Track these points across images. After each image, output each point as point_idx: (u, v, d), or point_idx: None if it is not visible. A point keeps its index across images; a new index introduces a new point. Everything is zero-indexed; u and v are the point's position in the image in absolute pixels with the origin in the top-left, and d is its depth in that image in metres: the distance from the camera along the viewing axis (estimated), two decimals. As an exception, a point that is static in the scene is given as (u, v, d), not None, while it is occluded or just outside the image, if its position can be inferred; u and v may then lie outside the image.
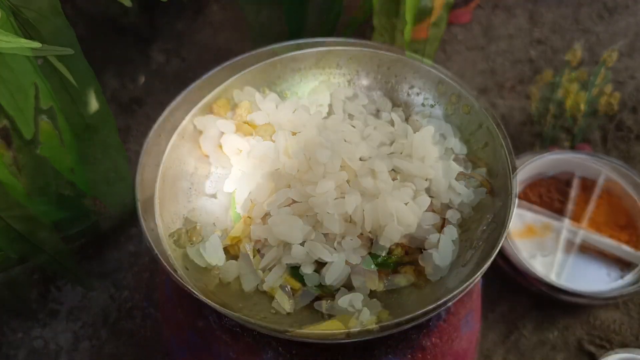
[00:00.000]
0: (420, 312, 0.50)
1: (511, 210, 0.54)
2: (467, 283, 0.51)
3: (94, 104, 0.77)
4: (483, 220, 0.58)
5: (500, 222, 0.55)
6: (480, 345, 0.83)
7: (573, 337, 0.86)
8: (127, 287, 0.91)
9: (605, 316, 0.87)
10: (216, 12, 1.24)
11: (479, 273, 0.52)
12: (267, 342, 0.57)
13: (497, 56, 1.15)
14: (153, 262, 0.92)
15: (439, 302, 0.51)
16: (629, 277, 0.84)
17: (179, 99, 0.61)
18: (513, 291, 0.88)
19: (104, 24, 1.15)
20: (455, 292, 0.51)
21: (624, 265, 0.87)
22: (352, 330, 0.52)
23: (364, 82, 0.66)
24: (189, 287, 0.51)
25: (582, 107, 0.93)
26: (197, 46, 1.18)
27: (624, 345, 0.85)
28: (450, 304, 0.53)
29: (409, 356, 0.60)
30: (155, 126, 0.59)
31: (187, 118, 0.61)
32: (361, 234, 0.56)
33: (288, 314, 0.55)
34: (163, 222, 0.56)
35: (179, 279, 0.51)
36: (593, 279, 0.86)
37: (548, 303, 0.87)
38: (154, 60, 1.17)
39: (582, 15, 1.21)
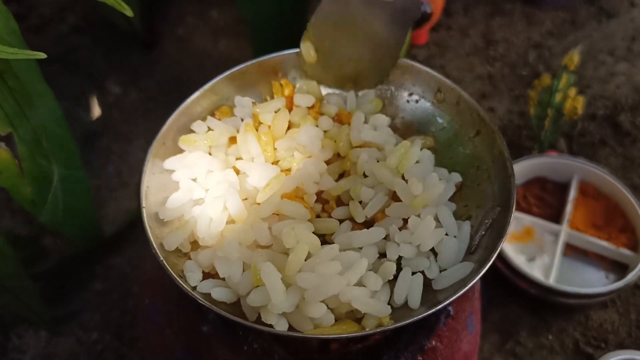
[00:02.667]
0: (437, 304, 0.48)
1: (510, 214, 0.53)
2: (473, 281, 0.49)
3: (54, 130, 0.72)
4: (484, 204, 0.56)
5: (499, 227, 0.53)
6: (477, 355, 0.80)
7: (569, 339, 0.83)
8: (95, 328, 0.84)
9: (597, 316, 0.85)
10: (216, 19, 1.25)
11: (483, 269, 0.50)
12: (270, 351, 0.53)
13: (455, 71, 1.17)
14: (123, 299, 0.86)
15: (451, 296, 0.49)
16: (626, 278, 0.83)
17: (183, 106, 0.59)
18: (503, 299, 0.86)
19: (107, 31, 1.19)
20: (465, 287, 0.49)
21: (621, 267, 0.86)
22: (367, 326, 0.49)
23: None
24: (196, 295, 0.48)
25: (580, 111, 0.94)
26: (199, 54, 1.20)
27: (619, 344, 0.83)
28: (461, 292, 0.50)
29: (420, 358, 0.57)
30: (161, 132, 0.57)
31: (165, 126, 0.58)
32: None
33: None
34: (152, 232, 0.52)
35: (184, 286, 0.49)
36: (590, 281, 0.85)
37: (539, 308, 0.85)
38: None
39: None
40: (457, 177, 0.58)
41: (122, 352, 0.82)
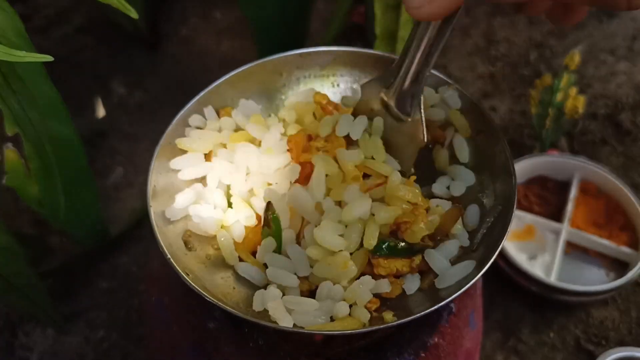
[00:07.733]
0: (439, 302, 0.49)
1: (511, 213, 0.53)
2: (475, 278, 0.50)
3: (60, 131, 0.73)
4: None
5: (501, 225, 0.54)
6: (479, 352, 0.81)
7: (570, 336, 0.84)
8: (101, 326, 0.85)
9: (598, 314, 0.86)
10: (220, 20, 1.26)
11: (485, 267, 0.50)
12: (275, 348, 0.54)
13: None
14: (129, 297, 0.87)
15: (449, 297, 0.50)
16: (627, 276, 0.83)
17: (188, 106, 0.60)
18: (505, 297, 0.87)
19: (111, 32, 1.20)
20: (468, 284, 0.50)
21: (621, 265, 0.87)
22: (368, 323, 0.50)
23: None
24: (203, 292, 0.49)
25: (580, 110, 0.95)
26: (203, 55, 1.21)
27: (620, 341, 0.84)
28: (461, 292, 0.51)
29: (422, 355, 0.58)
30: (166, 132, 0.58)
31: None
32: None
33: None
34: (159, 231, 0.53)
35: (191, 283, 0.49)
36: (591, 279, 0.86)
37: (541, 305, 0.86)
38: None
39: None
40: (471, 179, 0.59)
41: (128, 349, 0.82)
